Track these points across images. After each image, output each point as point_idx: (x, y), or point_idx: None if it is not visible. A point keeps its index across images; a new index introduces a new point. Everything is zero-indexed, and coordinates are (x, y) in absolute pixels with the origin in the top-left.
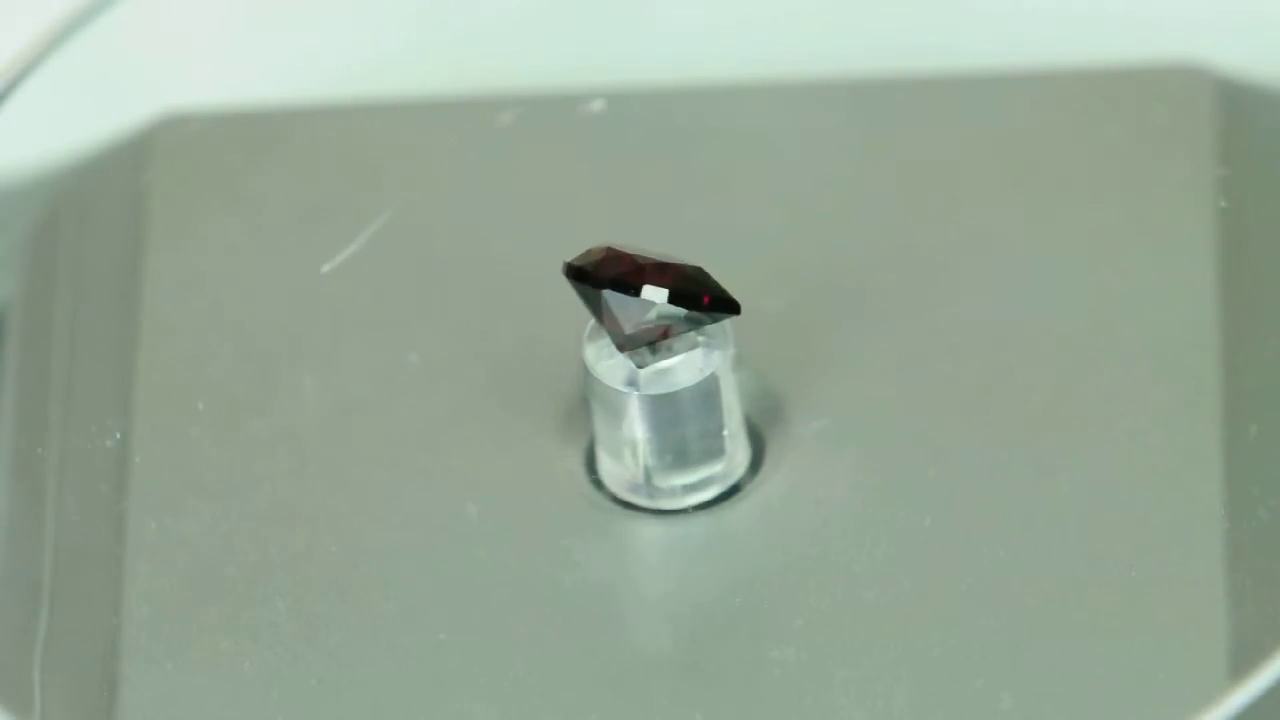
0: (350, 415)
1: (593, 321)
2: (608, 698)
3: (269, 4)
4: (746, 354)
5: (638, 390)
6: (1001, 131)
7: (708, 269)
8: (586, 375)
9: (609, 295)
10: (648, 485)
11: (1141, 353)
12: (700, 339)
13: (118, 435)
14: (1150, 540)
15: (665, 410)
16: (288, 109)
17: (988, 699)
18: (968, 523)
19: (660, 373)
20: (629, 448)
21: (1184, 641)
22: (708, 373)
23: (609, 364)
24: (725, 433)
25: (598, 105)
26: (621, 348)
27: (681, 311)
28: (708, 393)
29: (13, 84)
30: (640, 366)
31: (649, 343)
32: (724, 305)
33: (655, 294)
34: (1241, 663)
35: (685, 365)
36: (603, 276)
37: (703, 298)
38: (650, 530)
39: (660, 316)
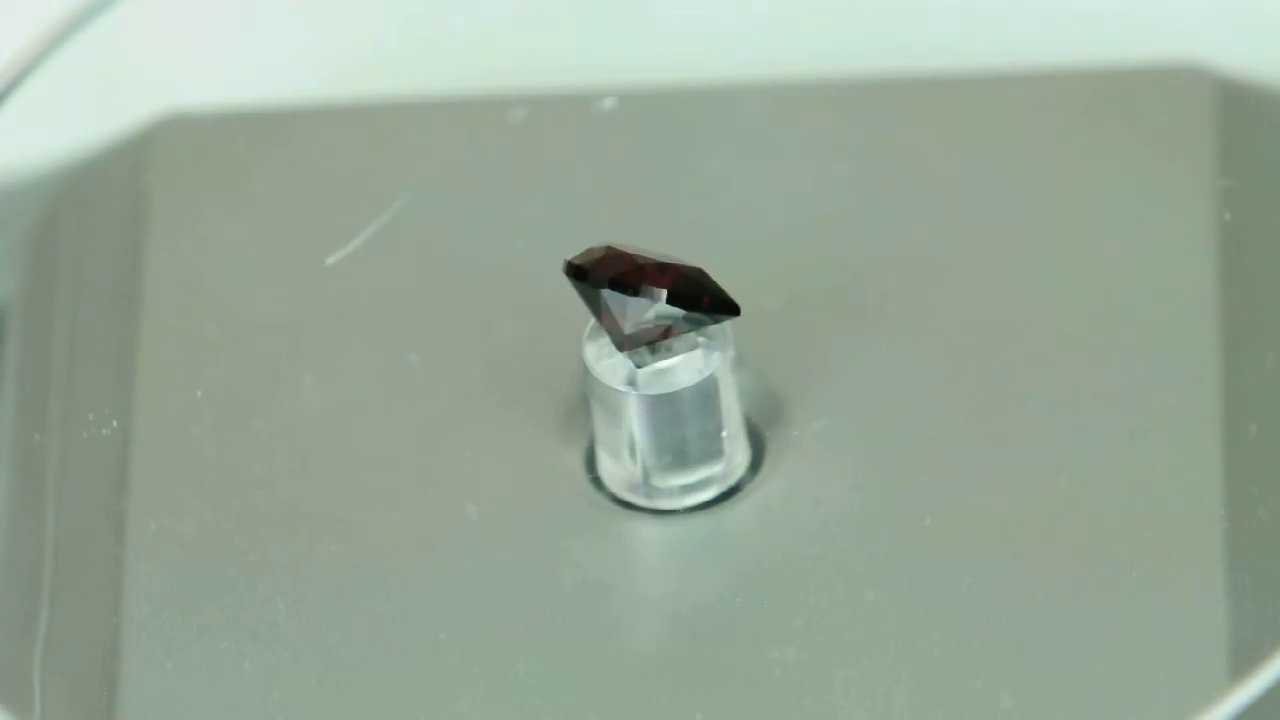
0: (350, 415)
1: (593, 320)
2: (608, 698)
3: (269, 4)
4: (746, 354)
5: (636, 390)
6: (1001, 131)
7: (708, 269)
8: (586, 374)
9: (608, 294)
10: (646, 485)
11: (1141, 353)
12: (700, 340)
13: (115, 424)
14: (1150, 540)
15: (664, 410)
16: (288, 109)
17: (988, 699)
18: (968, 523)
19: (659, 373)
20: (627, 448)
21: (1184, 641)
22: (707, 374)
23: (609, 363)
24: (724, 434)
25: (609, 103)
26: (620, 347)
27: (680, 312)
28: (707, 394)
29: (13, 84)
30: (639, 366)
31: (648, 342)
32: (723, 307)
33: (654, 294)
34: (1241, 663)
35: (684, 366)
36: (602, 275)
37: (702, 299)
38: (650, 530)
39: (659, 317)
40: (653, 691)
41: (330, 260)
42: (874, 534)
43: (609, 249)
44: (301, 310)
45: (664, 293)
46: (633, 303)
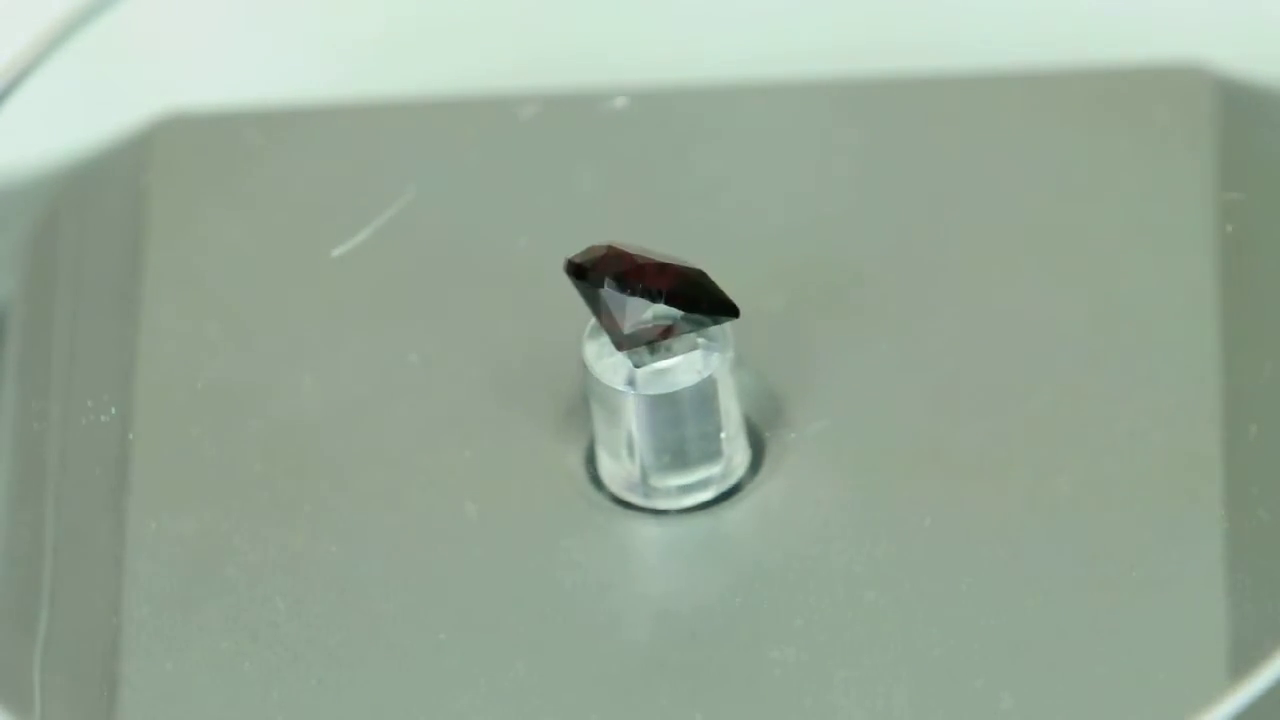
0: (350, 415)
1: (594, 320)
2: (608, 697)
3: (269, 4)
4: (746, 355)
5: (635, 390)
6: (1001, 131)
7: (707, 268)
8: (586, 374)
9: (607, 294)
10: (644, 485)
11: (1141, 353)
12: (700, 341)
13: (113, 410)
14: (1150, 540)
15: (662, 411)
16: (288, 109)
17: (988, 699)
18: (968, 523)
19: (658, 373)
20: (626, 447)
21: (1184, 641)
22: (706, 375)
23: (608, 362)
24: (723, 435)
25: (621, 102)
26: (619, 346)
27: (679, 313)
28: (706, 395)
29: (13, 84)
30: (638, 366)
31: (647, 342)
32: (722, 309)
33: (653, 294)
34: (1241, 663)
35: (683, 366)
36: (602, 274)
37: (701, 301)
38: (650, 530)
39: (657, 317)
40: (652, 691)
41: (336, 252)
42: (874, 534)
43: (610, 248)
44: (301, 310)
45: (663, 293)
46: (631, 302)
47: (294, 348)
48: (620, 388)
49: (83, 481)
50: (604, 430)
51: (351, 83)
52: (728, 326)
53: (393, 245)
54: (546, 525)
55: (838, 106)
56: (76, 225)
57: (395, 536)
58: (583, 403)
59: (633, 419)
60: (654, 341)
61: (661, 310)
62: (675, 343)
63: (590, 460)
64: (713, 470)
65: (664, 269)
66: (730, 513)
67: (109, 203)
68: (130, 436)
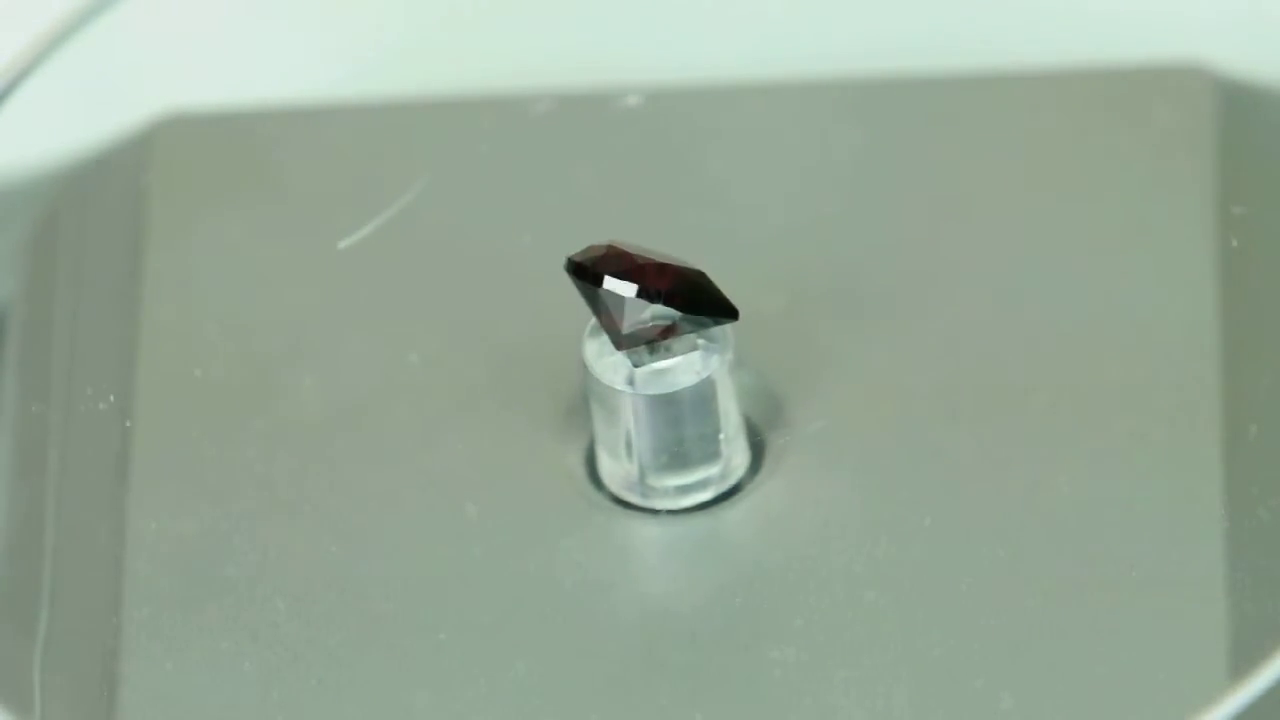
0: (350, 415)
1: (594, 319)
2: (607, 697)
3: (269, 4)
4: (746, 355)
5: (634, 389)
6: (1001, 131)
7: (708, 268)
8: (586, 373)
9: (606, 293)
10: (642, 485)
11: (1141, 353)
12: (699, 342)
13: (111, 398)
14: (1150, 540)
15: (661, 411)
16: (288, 109)
17: (988, 699)
18: (968, 523)
19: (657, 373)
20: (625, 447)
21: (1184, 641)
22: (705, 375)
23: (608, 362)
24: (721, 436)
25: (633, 100)
26: (618, 346)
27: (678, 313)
28: (705, 396)
29: (13, 84)
30: (637, 366)
31: (646, 342)
32: (722, 310)
33: (653, 294)
34: (1241, 663)
35: (683, 367)
36: (601, 273)
37: (701, 301)
38: (650, 530)
39: (656, 317)
40: (652, 691)
41: (343, 244)
42: (874, 534)
43: (610, 247)
44: (301, 310)
45: (663, 293)
46: (631, 302)
47: (294, 347)
48: (620, 387)
49: (83, 482)
50: (603, 430)
51: (351, 83)
52: (728, 328)
53: (393, 245)
54: (546, 525)
55: (838, 106)
56: (76, 225)
57: (395, 536)
58: (583, 402)
59: (632, 419)
60: (653, 341)
61: (661, 310)
62: (675, 343)
63: (590, 460)
64: (711, 471)
65: (664, 269)
66: (730, 513)
67: (109, 203)
68: (130, 436)
